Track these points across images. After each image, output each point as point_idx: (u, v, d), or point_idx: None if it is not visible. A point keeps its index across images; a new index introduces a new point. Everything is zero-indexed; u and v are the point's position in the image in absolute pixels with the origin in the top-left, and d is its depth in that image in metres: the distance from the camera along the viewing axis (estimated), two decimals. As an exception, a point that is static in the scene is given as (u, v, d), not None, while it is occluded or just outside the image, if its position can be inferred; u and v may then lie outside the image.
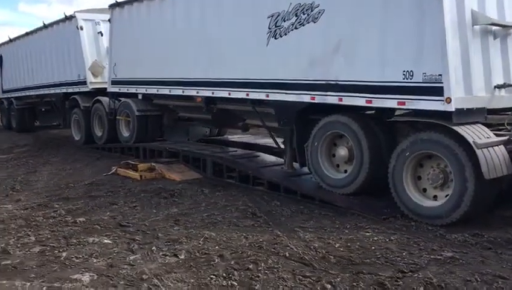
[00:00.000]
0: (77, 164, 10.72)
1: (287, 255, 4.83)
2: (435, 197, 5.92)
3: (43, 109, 17.01)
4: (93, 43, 12.89)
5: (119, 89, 11.79)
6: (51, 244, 5.29)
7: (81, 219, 6.27)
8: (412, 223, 5.85)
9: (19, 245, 5.29)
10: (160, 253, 4.97)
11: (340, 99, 6.62)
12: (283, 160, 8.84)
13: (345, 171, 6.98)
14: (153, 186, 8.27)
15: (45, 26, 14.74)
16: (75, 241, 5.37)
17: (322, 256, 4.80)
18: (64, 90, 13.91)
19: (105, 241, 5.39)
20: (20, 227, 6.00)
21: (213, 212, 6.56)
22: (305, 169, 7.72)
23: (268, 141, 11.34)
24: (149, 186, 8.27)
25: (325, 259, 4.73)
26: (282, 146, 8.45)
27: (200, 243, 5.25)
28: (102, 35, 12.90)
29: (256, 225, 5.95)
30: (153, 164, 9.37)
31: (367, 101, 6.23)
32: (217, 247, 5.13)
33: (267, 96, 7.80)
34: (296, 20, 7.08)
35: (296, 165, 8.06)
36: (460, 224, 5.61)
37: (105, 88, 12.31)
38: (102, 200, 7.39)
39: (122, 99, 11.87)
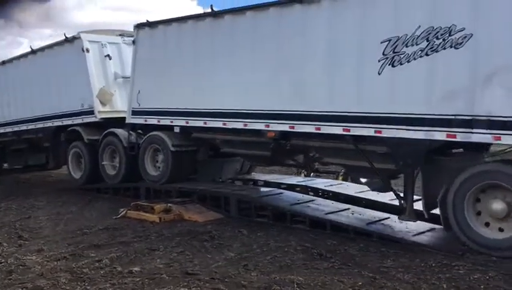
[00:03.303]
0: (71, 208, 9.72)
1: (407, 298, 4.48)
2: None
3: (14, 149, 14.90)
4: (100, 67, 11.32)
5: (145, 120, 10.18)
6: (128, 301, 4.58)
7: (135, 269, 5.56)
8: (492, 258, 5.72)
9: (89, 303, 4.53)
10: (264, 303, 4.44)
11: (497, 138, 5.69)
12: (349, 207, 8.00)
13: (486, 224, 6.05)
14: (180, 228, 7.64)
15: (33, 52, 12.85)
16: (154, 295, 4.69)
17: (442, 298, 4.50)
18: (59, 122, 12.00)
19: (189, 293, 4.76)
20: (70, 281, 5.20)
21: (274, 255, 6.08)
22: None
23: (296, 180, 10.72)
24: (175, 229, 7.62)
25: (448, 301, 4.43)
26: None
27: (297, 290, 4.76)
28: (110, 58, 11.41)
29: (336, 267, 5.56)
30: (169, 204, 8.68)
31: None
32: (319, 293, 4.68)
33: (379, 132, 6.65)
34: (427, 45, 6.13)
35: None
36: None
37: (116, 118, 10.90)
38: (137, 246, 6.66)
39: (142, 132, 10.39)
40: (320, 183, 10.10)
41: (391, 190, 7.22)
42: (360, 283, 4.94)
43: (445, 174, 6.25)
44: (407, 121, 6.39)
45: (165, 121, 9.83)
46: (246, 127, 8.39)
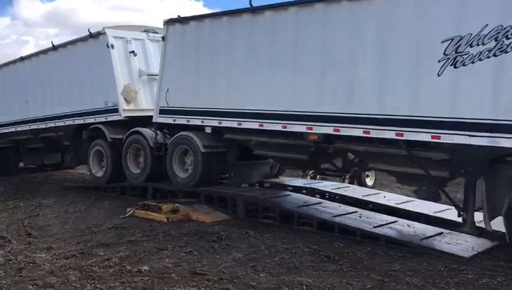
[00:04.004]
0: (78, 206, 9.76)
1: (416, 302, 4.50)
2: None
3: (30, 148, 14.54)
4: (125, 64, 10.93)
5: (174, 120, 9.76)
6: (138, 299, 4.61)
7: (144, 268, 5.60)
8: (500, 263, 5.73)
9: (99, 301, 4.57)
10: (274, 304, 4.46)
11: None
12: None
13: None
14: (187, 229, 7.66)
15: (54, 48, 12.39)
16: (164, 294, 4.72)
17: (451, 302, 4.51)
18: (81, 121, 11.68)
19: (198, 293, 4.79)
20: (80, 279, 5.25)
21: (282, 256, 6.10)
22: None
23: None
24: (183, 229, 7.65)
25: (457, 305, 4.45)
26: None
27: (306, 292, 4.79)
28: (135, 55, 11.05)
29: (344, 269, 5.58)
30: (176, 205, 8.71)
31: None
32: (328, 295, 4.70)
33: (437, 138, 6.21)
34: (496, 46, 5.72)
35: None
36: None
37: (140, 117, 10.63)
38: (145, 245, 6.69)
39: (169, 132, 9.95)
40: (327, 185, 10.14)
41: (441, 198, 6.99)
42: (369, 286, 4.96)
43: (508, 184, 5.92)
44: (470, 126, 5.96)
45: (196, 121, 9.42)
46: (285, 129, 7.93)
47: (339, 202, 8.84)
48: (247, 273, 5.40)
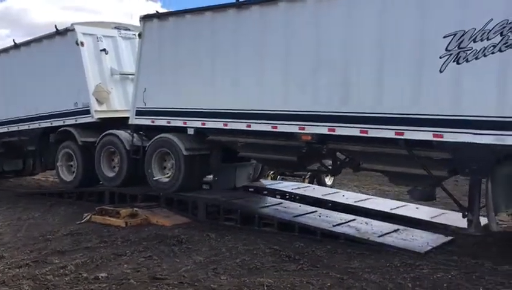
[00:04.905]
0: (32, 213, 9.42)
1: (375, 298, 4.58)
2: None
3: None
4: (95, 62, 10.34)
5: (153, 121, 9.28)
6: (94, 307, 4.49)
7: (102, 275, 5.45)
8: (454, 257, 5.93)
9: (55, 311, 4.42)
10: (235, 306, 4.44)
11: None
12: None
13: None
14: (147, 233, 7.52)
15: (16, 46, 11.66)
16: (122, 300, 4.62)
17: (408, 297, 4.62)
18: (47, 124, 11.00)
19: (158, 298, 4.71)
20: (34, 289, 5.06)
21: (243, 258, 6.10)
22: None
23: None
24: (142, 233, 7.51)
25: (413, 299, 4.56)
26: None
27: (267, 293, 4.79)
28: (106, 53, 10.49)
29: (304, 269, 5.63)
30: (135, 209, 8.55)
31: None
32: (289, 295, 4.73)
33: (440, 136, 6.01)
34: (501, 41, 5.55)
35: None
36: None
37: (113, 118, 10.08)
38: (103, 251, 6.52)
39: (145, 134, 9.47)
40: (288, 186, 10.22)
41: (435, 198, 6.91)
42: (329, 284, 5.02)
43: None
44: (475, 123, 5.78)
45: (177, 122, 8.91)
46: (276, 130, 7.57)
47: (299, 202, 8.92)
48: (208, 276, 5.37)
